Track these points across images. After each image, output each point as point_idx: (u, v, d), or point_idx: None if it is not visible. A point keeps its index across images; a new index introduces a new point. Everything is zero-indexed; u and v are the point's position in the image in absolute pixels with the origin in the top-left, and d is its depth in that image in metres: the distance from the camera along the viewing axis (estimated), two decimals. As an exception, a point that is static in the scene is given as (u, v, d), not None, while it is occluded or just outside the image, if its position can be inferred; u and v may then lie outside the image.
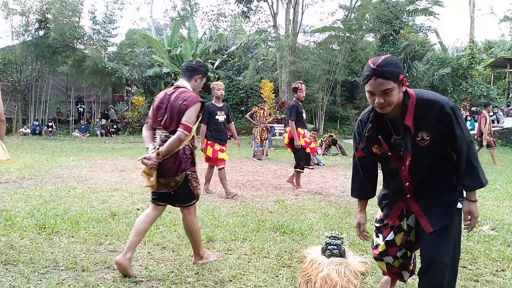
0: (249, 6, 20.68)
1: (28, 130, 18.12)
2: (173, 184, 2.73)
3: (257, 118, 11.25)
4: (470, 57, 21.54)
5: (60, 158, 9.65)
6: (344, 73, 19.29)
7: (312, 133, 11.62)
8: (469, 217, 1.84)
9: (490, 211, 4.78)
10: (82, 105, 21.17)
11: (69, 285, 2.53)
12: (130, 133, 18.80)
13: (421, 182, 1.90)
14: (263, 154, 11.01)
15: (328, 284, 2.43)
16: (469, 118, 17.54)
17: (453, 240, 1.86)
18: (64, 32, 17.71)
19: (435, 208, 1.86)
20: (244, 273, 2.79)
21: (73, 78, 20.08)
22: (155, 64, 20.12)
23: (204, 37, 22.53)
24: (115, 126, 19.35)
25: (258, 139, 10.91)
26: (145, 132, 2.90)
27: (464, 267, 2.95)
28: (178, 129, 2.66)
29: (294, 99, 6.05)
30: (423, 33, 24.88)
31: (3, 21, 43.82)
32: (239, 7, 21.03)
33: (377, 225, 2.18)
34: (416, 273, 2.12)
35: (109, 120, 20.30)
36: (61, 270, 2.76)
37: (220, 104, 5.67)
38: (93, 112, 20.81)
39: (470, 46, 22.16)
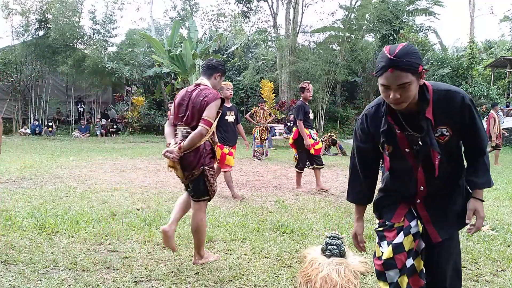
0: (249, 6, 20.70)
1: (28, 130, 18.13)
2: (191, 178, 2.83)
3: (257, 118, 11.26)
4: (470, 57, 21.54)
5: (60, 158, 9.65)
6: (344, 73, 19.30)
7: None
8: (474, 216, 1.69)
9: (490, 211, 4.78)
10: (82, 105, 21.17)
11: (69, 285, 2.53)
12: (130, 133, 18.81)
13: (434, 185, 1.72)
14: (263, 154, 11.01)
15: (328, 284, 2.43)
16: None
17: (457, 244, 1.80)
18: (64, 32, 17.71)
19: (444, 216, 1.73)
20: (244, 273, 2.79)
21: (73, 78, 20.08)
22: (155, 64, 20.12)
23: (204, 37, 22.52)
24: (115, 126, 19.35)
25: (258, 139, 10.91)
26: (167, 128, 3.00)
27: (464, 267, 2.95)
28: (199, 124, 2.76)
29: (301, 98, 6.06)
30: (423, 33, 24.92)
31: (3, 21, 43.88)
32: (239, 7, 21.06)
33: (380, 229, 1.83)
34: None
35: (109, 120, 20.30)
36: (61, 270, 2.76)
37: (229, 104, 5.64)
38: (93, 112, 20.81)
39: (470, 46, 22.17)
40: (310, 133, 5.92)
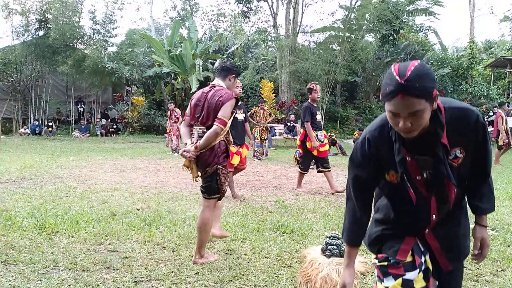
0: (249, 6, 20.67)
1: (28, 130, 18.13)
2: (205, 175, 2.94)
3: (257, 118, 11.25)
4: (470, 57, 21.54)
5: (60, 158, 9.65)
6: (344, 73, 19.28)
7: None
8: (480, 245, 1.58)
9: (490, 211, 4.78)
10: (82, 105, 21.16)
11: (69, 285, 2.53)
12: (130, 133, 18.81)
13: (444, 211, 1.55)
14: (263, 154, 11.01)
15: (328, 284, 2.43)
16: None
17: (463, 269, 1.74)
18: (64, 32, 17.70)
19: (453, 242, 1.61)
20: (244, 273, 2.79)
21: (73, 78, 20.07)
22: (155, 64, 20.11)
23: (204, 37, 22.53)
24: (115, 126, 19.35)
25: (258, 139, 10.91)
26: (183, 128, 3.13)
27: (465, 267, 2.95)
28: (215, 123, 2.85)
29: (309, 100, 6.05)
30: (423, 33, 24.89)
31: (3, 21, 43.87)
32: (239, 7, 21.02)
33: (383, 264, 1.55)
34: None
35: (109, 120, 20.30)
36: (61, 270, 2.76)
37: (238, 103, 5.66)
38: (93, 112, 20.81)
39: (470, 46, 22.16)
40: (317, 135, 5.80)
